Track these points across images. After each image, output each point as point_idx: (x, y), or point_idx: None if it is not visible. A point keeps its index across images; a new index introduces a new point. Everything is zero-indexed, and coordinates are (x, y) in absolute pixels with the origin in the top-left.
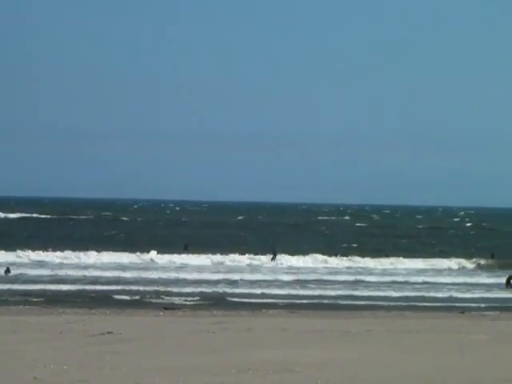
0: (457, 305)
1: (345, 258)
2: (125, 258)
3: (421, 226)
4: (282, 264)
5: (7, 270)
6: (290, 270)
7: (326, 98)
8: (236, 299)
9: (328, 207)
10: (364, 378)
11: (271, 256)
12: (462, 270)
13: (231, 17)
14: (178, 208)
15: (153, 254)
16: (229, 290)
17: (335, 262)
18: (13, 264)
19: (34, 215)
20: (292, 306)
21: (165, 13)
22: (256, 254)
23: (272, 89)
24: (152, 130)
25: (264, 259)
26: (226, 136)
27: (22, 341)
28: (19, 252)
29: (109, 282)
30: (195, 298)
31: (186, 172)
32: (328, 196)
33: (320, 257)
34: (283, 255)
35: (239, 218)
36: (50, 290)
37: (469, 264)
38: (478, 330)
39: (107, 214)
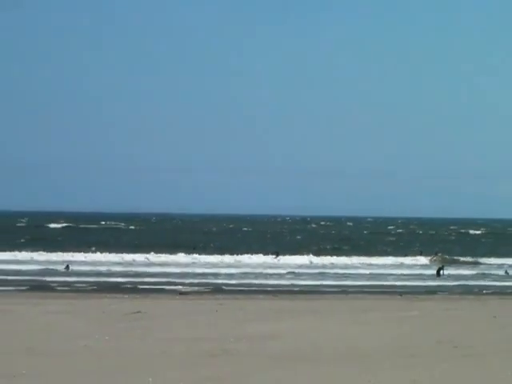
0: (397, 290)
1: (314, 257)
2: (148, 257)
3: (366, 232)
4: (279, 261)
5: (67, 267)
6: (271, 265)
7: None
8: (233, 288)
9: (292, 218)
10: (328, 343)
11: (274, 256)
12: (401, 265)
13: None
14: (183, 220)
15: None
16: (228, 281)
17: (306, 259)
18: (69, 262)
19: (81, 226)
20: (274, 292)
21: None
22: (249, 253)
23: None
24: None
25: (258, 257)
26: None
27: (75, 318)
28: (73, 254)
29: (137, 274)
30: (202, 287)
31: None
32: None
33: (297, 256)
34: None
35: (230, 226)
36: (96, 282)
37: (407, 260)
38: (411, 308)
39: (132, 223)
